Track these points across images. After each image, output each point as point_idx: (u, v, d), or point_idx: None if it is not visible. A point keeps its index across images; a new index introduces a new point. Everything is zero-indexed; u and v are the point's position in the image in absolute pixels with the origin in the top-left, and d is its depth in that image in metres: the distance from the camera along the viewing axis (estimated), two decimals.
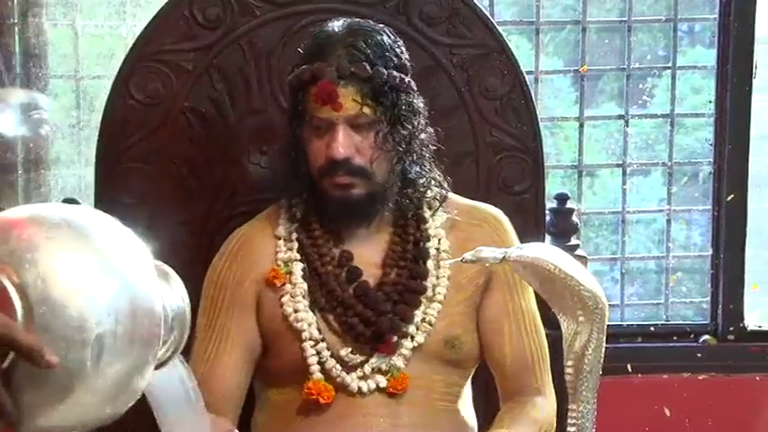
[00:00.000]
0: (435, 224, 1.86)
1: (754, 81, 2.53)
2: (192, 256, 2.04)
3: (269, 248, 1.85)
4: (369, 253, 1.84)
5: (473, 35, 2.12)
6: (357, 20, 1.83)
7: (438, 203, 1.86)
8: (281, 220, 1.86)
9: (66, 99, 2.50)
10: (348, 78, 1.74)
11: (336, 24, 1.80)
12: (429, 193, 1.85)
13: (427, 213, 1.86)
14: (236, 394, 1.84)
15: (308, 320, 1.80)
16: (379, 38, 1.78)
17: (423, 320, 1.81)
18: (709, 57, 2.58)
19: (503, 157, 2.14)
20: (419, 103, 1.82)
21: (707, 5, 2.58)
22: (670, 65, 2.60)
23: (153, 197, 2.09)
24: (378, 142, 1.76)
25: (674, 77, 2.59)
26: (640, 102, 2.61)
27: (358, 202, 1.78)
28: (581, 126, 2.58)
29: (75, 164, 2.48)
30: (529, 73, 2.39)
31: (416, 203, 1.83)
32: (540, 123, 2.18)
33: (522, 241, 1.86)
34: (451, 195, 1.91)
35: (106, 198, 2.09)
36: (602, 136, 2.63)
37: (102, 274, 1.06)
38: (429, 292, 1.82)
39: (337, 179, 1.76)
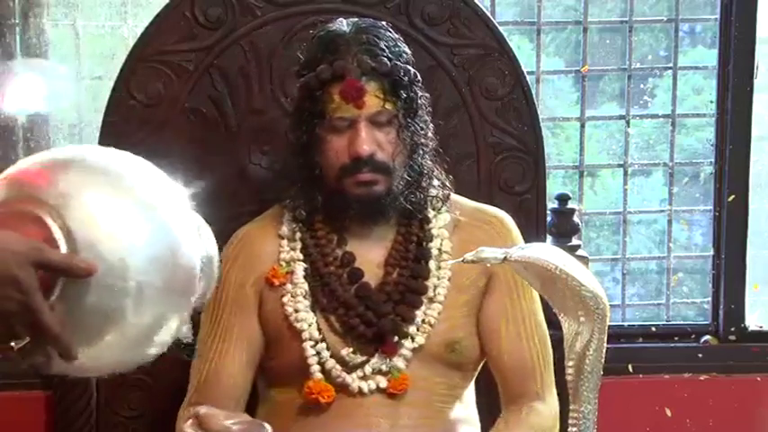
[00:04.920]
0: (438, 224, 1.86)
1: (755, 81, 2.52)
2: None
3: (272, 248, 1.85)
4: (371, 253, 1.84)
5: (474, 35, 2.12)
6: (361, 19, 1.84)
7: (441, 203, 1.86)
8: (285, 220, 1.86)
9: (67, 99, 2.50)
10: (369, 74, 1.75)
11: (343, 23, 1.80)
12: (432, 192, 1.85)
13: (431, 213, 1.86)
14: (239, 393, 1.85)
15: (308, 320, 1.80)
16: (388, 34, 1.80)
17: (423, 321, 1.81)
18: (710, 57, 2.57)
19: (504, 158, 2.14)
20: (426, 96, 1.84)
21: (708, 6, 2.57)
22: (671, 65, 2.59)
23: None
24: (399, 137, 1.77)
25: (675, 78, 2.59)
26: (641, 102, 2.61)
27: (379, 199, 1.78)
28: (582, 126, 2.57)
29: None
30: (530, 73, 2.39)
31: (423, 201, 1.83)
32: (541, 124, 2.18)
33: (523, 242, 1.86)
34: (455, 196, 1.91)
35: None
36: (604, 136, 2.63)
37: (143, 222, 1.05)
38: (430, 293, 1.82)
39: (360, 176, 1.76)
